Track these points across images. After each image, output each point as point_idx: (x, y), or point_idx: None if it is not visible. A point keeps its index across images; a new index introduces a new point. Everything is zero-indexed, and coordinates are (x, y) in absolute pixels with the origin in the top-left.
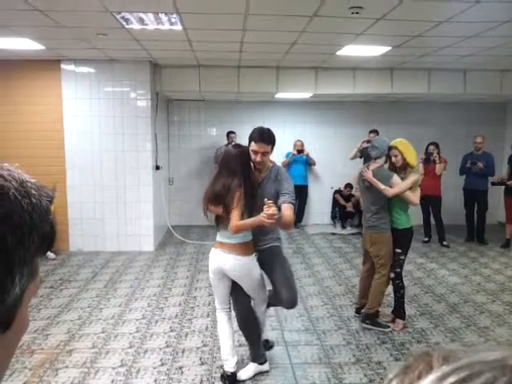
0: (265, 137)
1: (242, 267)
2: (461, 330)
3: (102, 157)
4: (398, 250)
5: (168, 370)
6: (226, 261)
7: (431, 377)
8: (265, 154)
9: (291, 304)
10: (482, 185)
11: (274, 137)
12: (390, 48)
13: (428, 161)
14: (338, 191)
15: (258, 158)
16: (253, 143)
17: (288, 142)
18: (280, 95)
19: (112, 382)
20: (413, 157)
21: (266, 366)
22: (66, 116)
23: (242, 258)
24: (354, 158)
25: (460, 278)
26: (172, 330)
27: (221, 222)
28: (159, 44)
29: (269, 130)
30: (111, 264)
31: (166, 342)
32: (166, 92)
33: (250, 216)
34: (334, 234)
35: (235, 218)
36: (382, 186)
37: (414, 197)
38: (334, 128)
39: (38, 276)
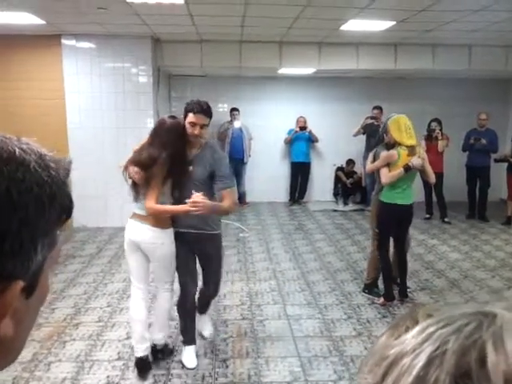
0: (204, 108)
1: (155, 239)
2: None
3: (104, 133)
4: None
5: (173, 342)
6: (140, 231)
7: (417, 328)
8: (203, 126)
9: (208, 298)
10: (485, 161)
11: (211, 110)
12: (394, 23)
13: (430, 137)
14: (340, 168)
15: (197, 131)
16: (191, 115)
17: (291, 118)
18: (283, 71)
19: (118, 353)
20: (401, 135)
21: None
22: (68, 93)
23: (156, 230)
24: (357, 134)
25: (460, 254)
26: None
27: (138, 191)
28: (160, 18)
29: (207, 102)
30: (115, 239)
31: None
32: (168, 67)
33: (181, 194)
34: (335, 210)
35: (152, 198)
36: (367, 163)
37: (385, 173)
38: (337, 104)
39: (57, 246)
